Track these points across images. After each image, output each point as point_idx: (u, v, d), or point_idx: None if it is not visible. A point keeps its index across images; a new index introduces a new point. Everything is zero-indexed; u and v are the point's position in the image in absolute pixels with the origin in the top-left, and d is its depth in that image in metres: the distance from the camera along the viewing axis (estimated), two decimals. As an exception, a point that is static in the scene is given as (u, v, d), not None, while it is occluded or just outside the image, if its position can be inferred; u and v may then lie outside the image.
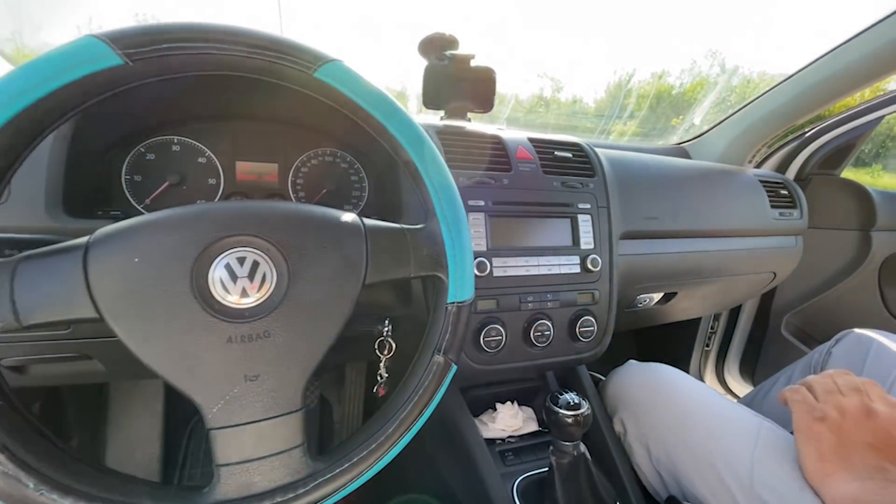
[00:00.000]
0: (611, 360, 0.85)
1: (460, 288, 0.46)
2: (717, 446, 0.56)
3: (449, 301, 0.46)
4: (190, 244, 0.37)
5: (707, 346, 1.44)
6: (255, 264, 0.38)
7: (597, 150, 0.83)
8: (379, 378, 0.65)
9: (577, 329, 0.72)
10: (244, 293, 0.38)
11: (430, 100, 0.80)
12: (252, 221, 0.39)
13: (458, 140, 0.71)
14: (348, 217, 0.44)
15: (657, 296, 0.97)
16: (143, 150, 0.65)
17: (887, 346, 0.77)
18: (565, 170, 0.75)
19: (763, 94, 1.09)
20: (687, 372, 1.39)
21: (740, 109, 1.16)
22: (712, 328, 1.42)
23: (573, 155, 0.78)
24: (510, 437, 0.76)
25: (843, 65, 0.90)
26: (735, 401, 0.76)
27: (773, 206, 1.01)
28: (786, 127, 1.09)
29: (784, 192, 1.06)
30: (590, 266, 0.72)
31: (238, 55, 0.39)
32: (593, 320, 0.73)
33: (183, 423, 1.07)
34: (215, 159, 0.68)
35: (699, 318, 1.33)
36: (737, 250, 0.96)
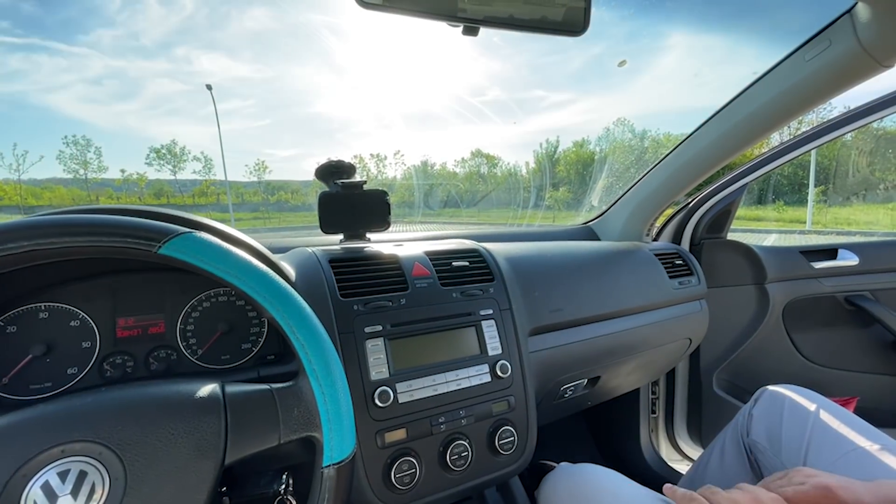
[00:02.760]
0: (568, 443, 0.81)
1: (337, 446, 0.43)
2: None
3: (325, 465, 0.43)
4: None
5: (653, 412, 1.44)
6: (82, 475, 0.34)
7: (495, 251, 0.86)
8: (283, 545, 0.58)
9: (496, 442, 0.69)
10: None
11: (328, 224, 0.82)
12: (79, 424, 0.36)
13: (352, 267, 0.72)
14: (205, 390, 0.42)
15: (583, 381, 0.97)
16: (1, 323, 0.60)
17: (799, 402, 0.80)
18: (464, 279, 0.78)
19: (644, 175, 1.22)
20: (638, 441, 1.39)
21: (629, 189, 1.28)
22: (654, 393, 1.44)
23: (470, 262, 0.81)
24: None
25: (701, 147, 1.03)
26: (678, 482, 0.75)
27: (671, 277, 1.08)
28: (668, 202, 1.21)
29: (679, 261, 1.14)
30: (499, 372, 0.72)
31: (70, 246, 0.38)
32: (512, 430, 0.71)
33: None
34: (90, 320, 0.64)
35: (638, 388, 1.34)
36: (646, 325, 1.00)
